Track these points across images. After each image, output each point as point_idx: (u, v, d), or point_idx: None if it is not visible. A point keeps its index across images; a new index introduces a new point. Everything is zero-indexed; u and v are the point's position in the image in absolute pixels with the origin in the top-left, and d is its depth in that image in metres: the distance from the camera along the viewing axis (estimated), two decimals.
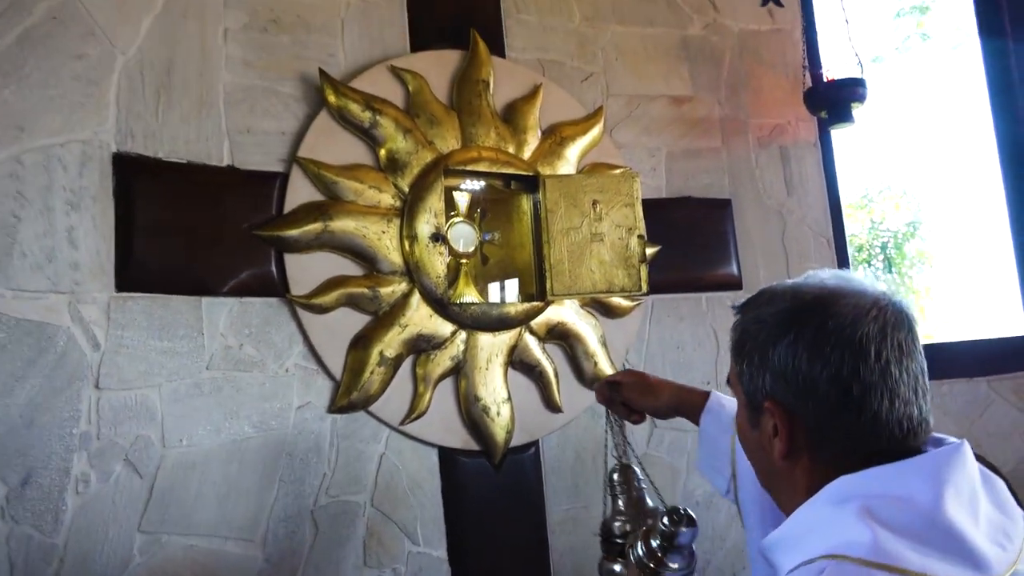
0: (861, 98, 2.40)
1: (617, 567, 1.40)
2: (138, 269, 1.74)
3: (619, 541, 1.41)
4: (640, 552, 1.19)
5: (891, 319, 0.90)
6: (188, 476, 1.74)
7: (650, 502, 1.46)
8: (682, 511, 1.18)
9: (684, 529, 1.17)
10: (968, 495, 0.87)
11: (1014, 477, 2.52)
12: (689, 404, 1.50)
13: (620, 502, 1.46)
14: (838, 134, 2.68)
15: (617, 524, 1.43)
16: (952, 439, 0.94)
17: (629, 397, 1.54)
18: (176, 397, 1.75)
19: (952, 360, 2.70)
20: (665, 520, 1.18)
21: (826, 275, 0.98)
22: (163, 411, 1.73)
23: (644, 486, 1.48)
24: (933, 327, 5.84)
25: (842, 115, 2.41)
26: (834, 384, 0.89)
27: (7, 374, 1.57)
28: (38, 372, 1.60)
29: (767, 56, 2.65)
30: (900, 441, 0.89)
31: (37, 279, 1.62)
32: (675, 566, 1.17)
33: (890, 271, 5.75)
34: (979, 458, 0.94)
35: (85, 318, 1.66)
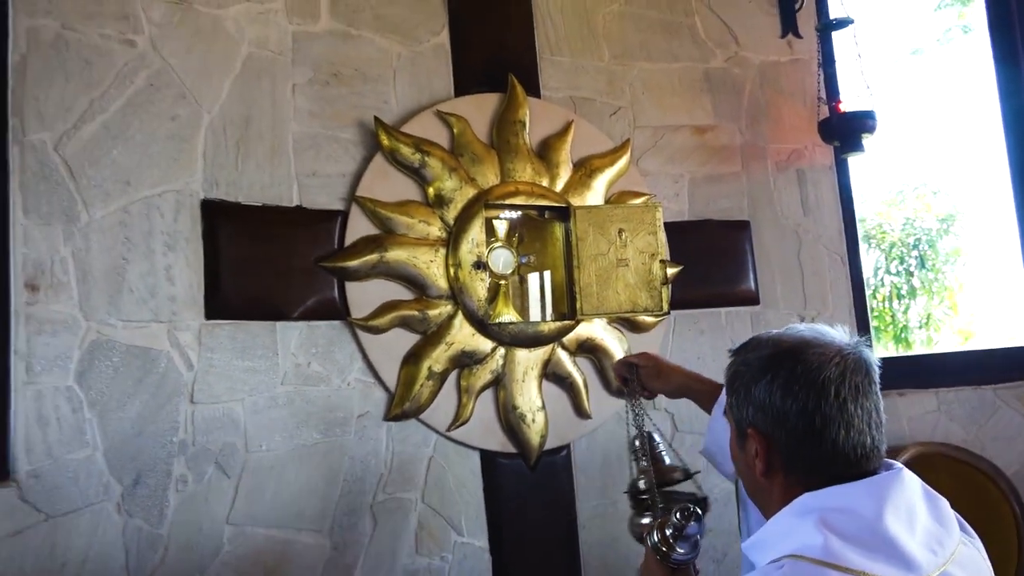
0: (871, 129, 2.58)
1: (645, 519, 1.65)
2: (223, 299, 2.02)
3: (644, 497, 1.67)
4: (656, 539, 1.42)
5: (851, 365, 1.13)
6: (267, 476, 2.03)
7: (668, 460, 1.72)
8: (691, 508, 1.41)
9: (692, 524, 1.40)
10: (905, 510, 1.09)
11: (1019, 478, 2.71)
12: (696, 390, 1.80)
13: (643, 463, 1.71)
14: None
15: (642, 482, 1.69)
16: (896, 464, 1.17)
17: (644, 378, 1.82)
18: (256, 409, 2.04)
19: (959, 369, 2.89)
20: (677, 515, 1.41)
21: (803, 328, 1.21)
22: (246, 421, 2.02)
23: (662, 448, 1.74)
24: (966, 323, 5.92)
25: (853, 145, 2.60)
26: (801, 417, 1.11)
27: (120, 392, 1.87)
28: (144, 390, 1.90)
29: (786, 86, 2.83)
30: (855, 464, 1.11)
31: (142, 311, 1.92)
32: (682, 551, 1.40)
33: (923, 267, 5.84)
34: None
35: (181, 343, 1.96)
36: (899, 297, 5.91)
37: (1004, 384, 2.82)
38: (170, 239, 1.97)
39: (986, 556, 1.19)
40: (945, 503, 1.19)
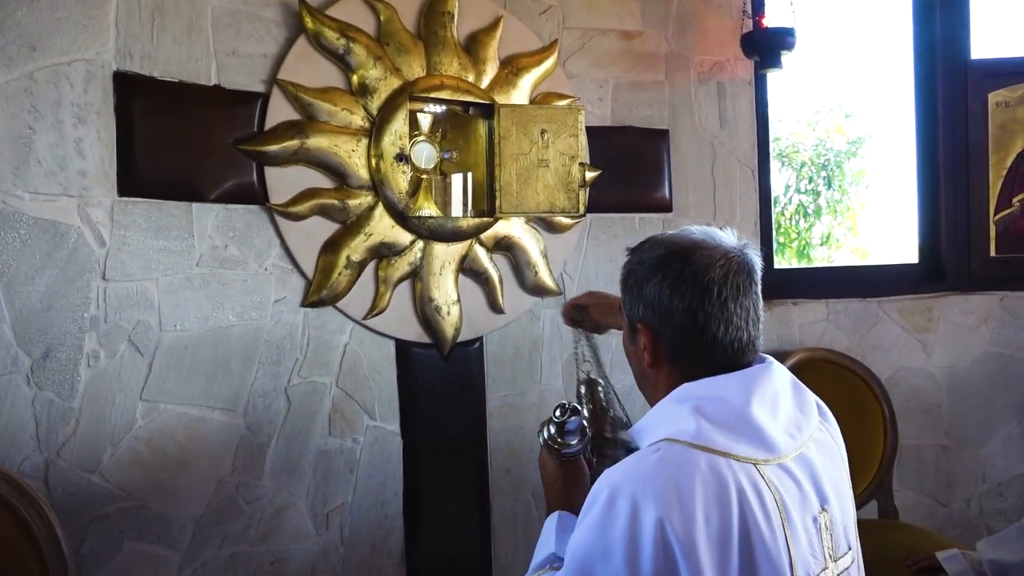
0: (790, 46, 2.65)
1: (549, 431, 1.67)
2: (137, 177, 1.98)
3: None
4: (545, 435, 1.52)
5: (735, 267, 1.22)
6: (181, 356, 2.05)
7: (611, 412, 1.70)
8: (567, 404, 1.47)
9: (572, 418, 1.50)
10: (771, 399, 1.21)
11: (891, 384, 2.97)
12: None
13: (585, 411, 1.69)
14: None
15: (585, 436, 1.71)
16: (768, 358, 1.29)
17: (595, 316, 1.79)
18: (171, 289, 2.04)
19: (848, 282, 3.09)
20: (556, 412, 1.49)
21: (696, 230, 1.30)
22: (160, 300, 2.02)
23: (606, 398, 1.71)
24: (866, 243, 6.24)
25: (772, 61, 2.66)
26: (686, 314, 1.21)
27: (28, 265, 1.84)
28: (54, 264, 1.87)
29: None
30: (732, 357, 1.22)
31: (51, 184, 1.86)
32: (573, 442, 1.50)
33: (830, 187, 6.09)
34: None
35: (92, 219, 1.92)
36: (805, 215, 6.17)
37: (887, 297, 3.04)
38: (80, 111, 1.90)
39: (839, 439, 1.34)
40: (808, 393, 1.32)
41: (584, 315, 1.81)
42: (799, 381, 1.33)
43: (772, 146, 3.09)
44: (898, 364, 3.04)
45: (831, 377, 2.87)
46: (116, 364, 1.96)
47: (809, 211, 6.20)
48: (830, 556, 1.21)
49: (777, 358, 2.84)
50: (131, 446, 1.98)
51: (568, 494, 1.48)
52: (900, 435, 2.88)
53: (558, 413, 1.46)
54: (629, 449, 1.58)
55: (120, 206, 1.96)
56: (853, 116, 6.14)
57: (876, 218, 6.15)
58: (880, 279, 3.11)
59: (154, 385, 2.01)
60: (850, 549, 1.27)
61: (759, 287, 1.26)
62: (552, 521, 1.43)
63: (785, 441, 1.19)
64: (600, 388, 1.70)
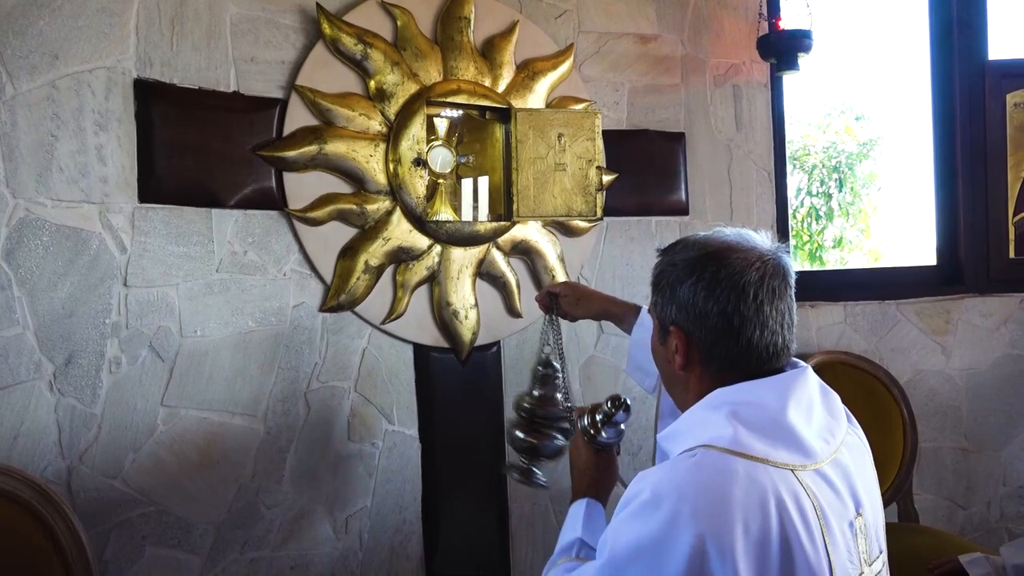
0: (807, 48, 2.64)
1: (519, 432, 1.85)
2: (157, 183, 1.99)
3: (523, 416, 1.86)
4: (586, 422, 1.54)
5: (770, 270, 1.21)
6: (201, 361, 2.06)
7: (559, 395, 1.86)
8: (622, 399, 1.52)
9: (621, 413, 1.52)
10: (806, 404, 1.20)
11: (910, 387, 2.95)
12: (614, 314, 1.91)
13: (535, 389, 1.87)
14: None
15: (526, 404, 1.86)
16: (801, 363, 1.28)
17: (564, 306, 1.93)
18: (191, 295, 2.04)
19: (866, 285, 3.08)
20: (608, 404, 1.52)
21: (729, 232, 1.29)
22: (180, 306, 2.03)
23: (558, 381, 1.87)
24: (879, 245, 6.23)
25: (789, 63, 2.66)
26: (721, 316, 1.19)
27: (51, 272, 1.85)
28: (76, 271, 1.88)
29: (729, 0, 2.86)
30: (767, 361, 1.21)
31: (72, 191, 1.88)
32: (607, 435, 1.52)
33: (841, 190, 6.07)
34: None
35: (114, 225, 1.93)
36: (817, 218, 6.16)
37: (905, 300, 3.02)
38: (101, 118, 1.91)
39: (866, 442, 1.33)
40: (836, 397, 1.32)
41: (555, 303, 1.93)
42: (827, 386, 1.32)
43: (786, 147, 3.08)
44: (916, 367, 3.02)
45: (849, 380, 2.85)
46: (137, 370, 1.97)
47: (821, 214, 6.19)
48: (864, 560, 1.20)
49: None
50: (152, 451, 1.99)
51: (597, 482, 1.52)
52: (919, 438, 2.86)
53: (609, 404, 1.49)
54: (563, 431, 1.82)
55: (141, 212, 1.97)
56: (864, 119, 6.13)
57: (889, 220, 6.14)
58: (898, 281, 3.09)
59: (175, 390, 2.02)
60: (882, 552, 1.26)
61: (793, 291, 1.25)
62: (580, 507, 1.45)
63: (820, 446, 1.18)
64: (555, 371, 1.86)
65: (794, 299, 1.25)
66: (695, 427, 1.21)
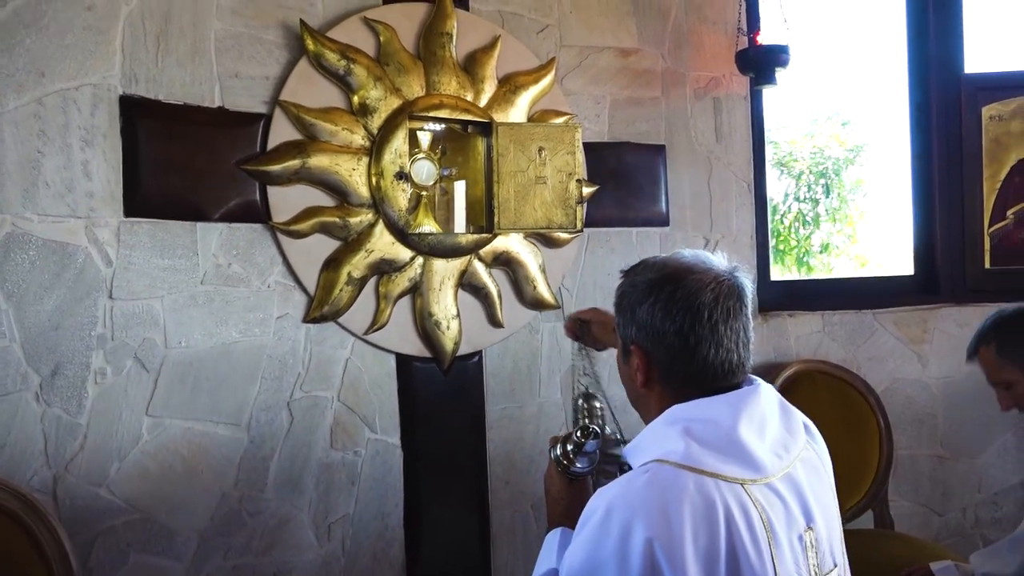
0: (784, 63, 2.69)
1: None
2: (143, 198, 2.03)
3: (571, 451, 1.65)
4: (558, 452, 1.56)
5: (725, 291, 1.25)
6: (186, 372, 2.10)
7: (607, 429, 1.72)
8: (590, 428, 1.54)
9: (591, 441, 1.54)
10: (758, 420, 1.25)
11: (887, 395, 3.00)
12: None
13: (582, 421, 1.75)
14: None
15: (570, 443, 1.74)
16: (757, 380, 1.33)
17: (595, 332, 1.83)
18: (176, 307, 2.08)
19: (843, 294, 3.13)
20: (577, 433, 1.55)
21: (688, 254, 1.33)
22: (165, 318, 2.07)
23: (602, 414, 1.76)
24: (866, 250, 6.28)
25: (767, 77, 2.71)
26: (677, 336, 1.24)
27: (37, 285, 1.89)
28: (62, 284, 1.92)
29: (709, 14, 2.90)
30: (722, 378, 1.26)
31: (59, 206, 1.91)
32: (580, 465, 1.54)
33: (828, 196, 6.13)
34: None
35: (99, 239, 1.97)
36: (804, 224, 6.21)
37: (883, 309, 3.07)
38: (87, 134, 1.95)
39: (825, 457, 1.37)
40: (795, 413, 1.36)
41: (585, 330, 1.84)
42: (786, 401, 1.37)
43: (770, 155, 3.13)
44: (893, 375, 3.08)
45: (826, 389, 2.91)
46: (123, 381, 2.01)
47: (808, 219, 6.25)
48: (815, 573, 1.25)
49: (773, 370, 2.89)
50: (137, 460, 2.03)
51: (572, 512, 1.50)
52: (896, 445, 2.92)
53: (579, 434, 1.50)
54: (621, 464, 1.63)
55: (126, 226, 2.01)
56: (851, 124, 6.18)
57: (875, 226, 6.19)
58: (875, 291, 3.15)
59: (160, 401, 2.06)
60: (836, 566, 1.30)
61: (749, 310, 1.30)
62: (555, 537, 1.47)
63: (772, 461, 1.22)
64: (598, 404, 1.74)
65: (750, 318, 1.29)
66: (652, 442, 1.25)
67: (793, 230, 6.22)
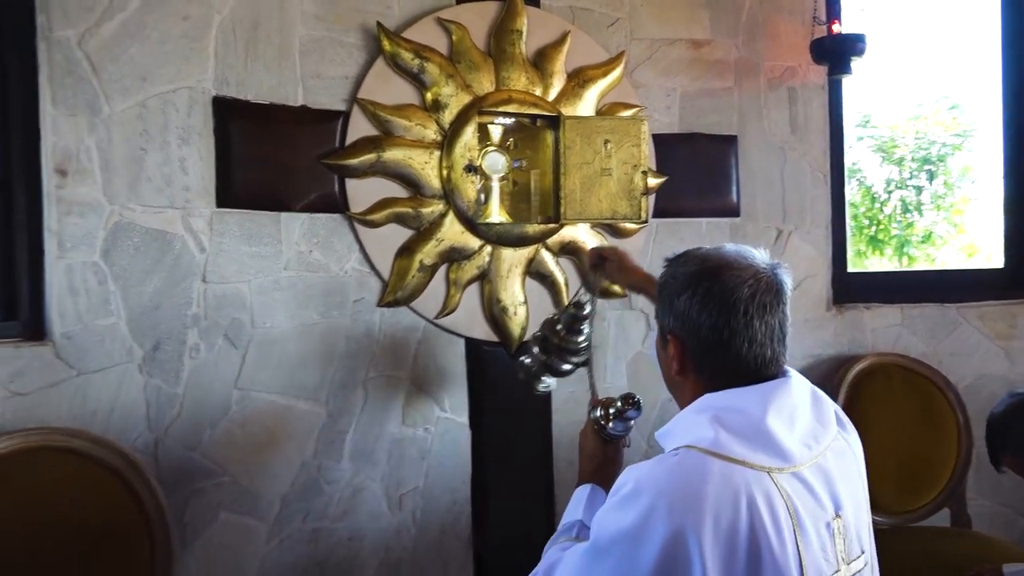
0: (860, 52, 2.65)
1: (526, 359, 2.08)
2: (233, 190, 2.22)
3: (542, 337, 2.05)
4: (598, 414, 1.67)
5: (762, 286, 1.30)
6: (270, 350, 2.29)
7: (581, 337, 2.00)
8: (635, 398, 1.64)
9: (632, 410, 1.64)
10: (788, 412, 1.29)
11: (970, 391, 2.92)
12: (649, 292, 1.92)
13: (560, 321, 2.01)
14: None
15: (546, 332, 2.04)
16: (790, 372, 1.37)
17: (608, 269, 2.00)
18: (262, 290, 2.27)
19: (925, 287, 3.05)
20: (620, 402, 1.65)
21: (730, 248, 1.38)
22: (252, 300, 2.26)
23: (583, 326, 2.00)
24: (973, 240, 5.98)
25: (842, 67, 2.68)
26: (712, 330, 1.30)
27: (140, 269, 2.11)
28: (162, 268, 2.14)
29: (785, 3, 2.88)
30: (754, 372, 1.31)
31: (159, 198, 2.13)
32: (616, 428, 1.65)
33: (931, 182, 5.87)
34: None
35: (194, 228, 2.18)
36: (906, 211, 5.97)
37: (967, 303, 2.98)
38: (184, 133, 2.16)
39: (857, 448, 1.40)
40: (828, 405, 1.39)
41: (602, 265, 2.00)
42: (820, 393, 1.40)
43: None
44: (978, 371, 2.99)
45: (903, 383, 2.85)
46: (214, 356, 2.21)
47: (910, 207, 6.00)
48: (843, 559, 1.28)
49: (846, 363, 2.87)
50: (227, 428, 2.24)
51: (602, 471, 1.63)
52: (977, 443, 2.83)
53: (621, 402, 1.62)
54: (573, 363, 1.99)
55: (218, 216, 2.21)
56: (960, 108, 5.89)
57: (984, 215, 5.88)
58: (960, 284, 3.05)
59: (247, 375, 2.26)
60: (863, 552, 1.34)
61: (787, 306, 1.33)
62: (584, 492, 1.57)
63: (801, 451, 1.26)
64: (586, 312, 1.97)
65: (788, 314, 1.33)
66: (683, 429, 1.31)
67: (892, 218, 5.98)
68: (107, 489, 1.90)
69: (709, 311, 1.29)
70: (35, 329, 2.02)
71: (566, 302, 2.60)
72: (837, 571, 1.26)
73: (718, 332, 1.29)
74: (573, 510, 1.55)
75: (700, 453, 1.23)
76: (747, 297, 1.28)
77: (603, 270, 2.00)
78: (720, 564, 1.15)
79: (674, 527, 1.16)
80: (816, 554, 1.22)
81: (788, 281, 1.34)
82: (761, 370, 1.31)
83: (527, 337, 2.05)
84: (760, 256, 1.35)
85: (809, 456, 1.28)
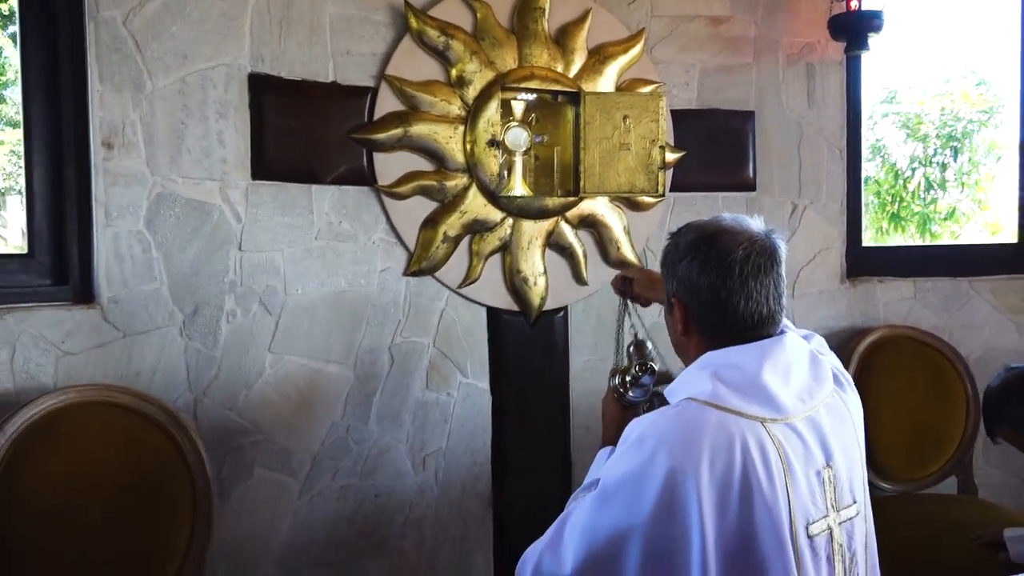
0: (877, 28, 2.69)
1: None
2: (267, 163, 2.33)
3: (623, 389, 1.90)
4: (616, 382, 1.78)
5: (756, 249, 1.39)
6: (302, 316, 2.41)
7: (656, 366, 1.87)
8: (648, 364, 1.75)
9: (647, 376, 1.75)
10: (783, 367, 1.39)
11: (980, 364, 2.98)
12: None
13: (635, 368, 1.88)
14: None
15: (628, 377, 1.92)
16: (786, 330, 1.46)
17: (637, 288, 1.99)
18: (294, 259, 2.39)
19: (938, 261, 3.10)
20: (636, 368, 1.75)
21: (727, 217, 1.48)
22: (285, 268, 2.38)
23: (652, 353, 1.90)
24: (999, 218, 5.97)
25: (860, 43, 2.72)
26: (711, 290, 1.40)
27: (181, 238, 2.23)
28: (201, 237, 2.26)
29: None
30: (752, 329, 1.41)
31: (198, 170, 2.24)
32: (633, 394, 1.75)
33: (956, 159, 5.87)
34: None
35: (231, 199, 2.29)
36: (929, 188, 5.98)
37: (979, 277, 3.03)
38: (222, 108, 2.26)
39: (853, 406, 1.49)
40: (825, 364, 1.49)
41: (629, 286, 2.00)
42: (818, 354, 1.50)
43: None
44: (988, 344, 3.04)
45: (912, 354, 2.92)
46: (250, 321, 2.34)
47: (934, 184, 6.00)
48: (832, 506, 1.39)
49: (858, 335, 2.95)
50: (261, 390, 2.37)
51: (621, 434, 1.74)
52: None
53: (637, 368, 1.73)
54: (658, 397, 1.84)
55: (253, 188, 2.32)
56: (986, 84, 5.86)
57: (1009, 192, 5.87)
58: (974, 258, 3.10)
59: (280, 340, 2.38)
60: (855, 502, 1.43)
61: (782, 267, 1.43)
62: (605, 453, 1.68)
63: (795, 404, 1.37)
64: (648, 348, 1.89)
65: (783, 276, 1.42)
66: (686, 384, 1.43)
67: (916, 196, 6.00)
68: (154, 442, 2.04)
69: (708, 273, 1.40)
70: (84, 293, 2.15)
71: (585, 275, 2.69)
72: (826, 516, 1.37)
73: (716, 292, 1.39)
74: (595, 469, 1.66)
75: (699, 404, 1.34)
76: (742, 259, 1.38)
77: (631, 292, 1.99)
78: (715, 502, 1.26)
79: (673, 468, 1.27)
80: (804, 497, 1.33)
81: (782, 245, 1.45)
82: (759, 327, 1.41)
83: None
84: (755, 223, 1.45)
85: (803, 409, 1.38)
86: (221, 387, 2.31)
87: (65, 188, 2.15)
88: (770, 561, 1.29)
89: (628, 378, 1.76)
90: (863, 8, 2.71)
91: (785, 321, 1.66)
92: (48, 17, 2.10)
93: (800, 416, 1.37)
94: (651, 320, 2.04)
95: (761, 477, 1.29)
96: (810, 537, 1.33)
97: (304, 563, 2.43)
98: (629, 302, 1.99)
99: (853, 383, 1.55)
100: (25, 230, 2.16)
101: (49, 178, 2.14)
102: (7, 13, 3.10)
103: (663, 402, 1.85)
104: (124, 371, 2.17)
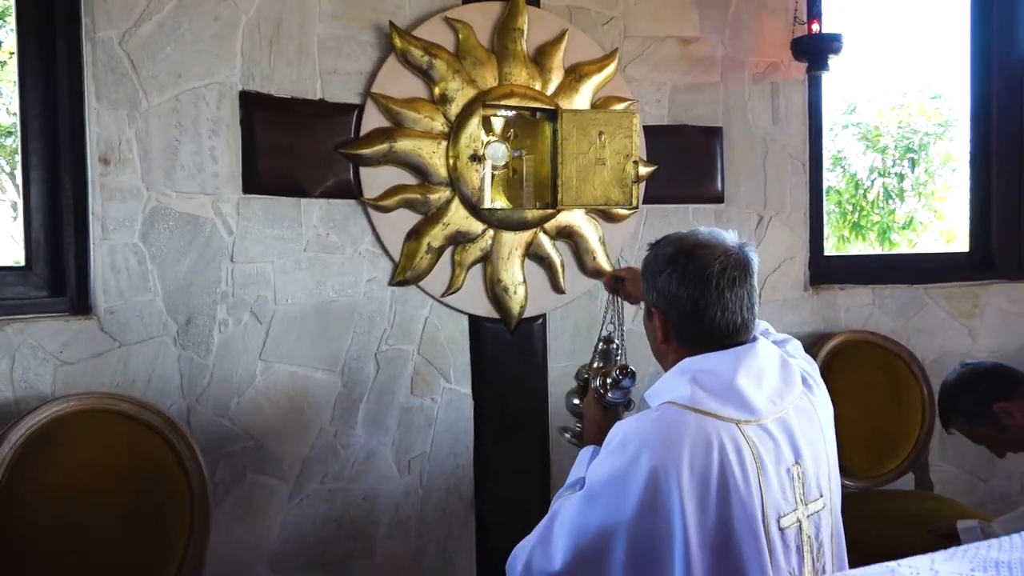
0: (837, 51, 2.85)
1: (575, 400, 2.09)
2: (257, 177, 2.41)
3: (581, 384, 2.06)
4: (598, 383, 1.87)
5: (731, 262, 1.52)
6: (291, 325, 2.49)
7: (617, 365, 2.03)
8: (629, 368, 1.85)
9: (627, 380, 1.85)
10: (755, 372, 1.51)
11: (935, 366, 3.15)
12: None
13: (596, 361, 2.05)
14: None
15: (585, 374, 2.07)
16: (759, 337, 1.58)
17: (628, 287, 2.06)
18: (284, 270, 2.47)
19: (896, 269, 3.27)
20: (616, 372, 1.86)
21: (704, 231, 1.60)
22: (275, 279, 2.46)
23: (620, 352, 2.06)
24: (952, 227, 6.21)
25: (820, 64, 2.88)
26: (689, 301, 1.52)
27: (175, 250, 2.31)
28: (194, 249, 2.34)
29: (768, 2, 3.07)
30: (728, 336, 1.53)
31: (192, 184, 2.32)
32: (614, 396, 1.85)
33: (913, 170, 6.09)
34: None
35: (223, 212, 2.37)
36: (888, 198, 6.20)
37: (934, 284, 3.21)
38: (214, 124, 2.35)
39: (821, 407, 1.61)
40: (795, 369, 1.61)
41: (621, 285, 2.08)
42: (788, 358, 1.62)
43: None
44: (943, 348, 3.21)
45: (872, 358, 3.08)
46: (241, 330, 2.42)
47: (892, 194, 6.22)
48: (801, 500, 1.51)
49: (821, 339, 3.09)
50: (252, 397, 2.44)
51: (603, 434, 1.82)
52: None
53: (617, 372, 1.82)
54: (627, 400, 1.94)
55: (244, 202, 2.40)
56: (941, 98, 6.10)
57: (962, 202, 6.11)
58: (929, 266, 3.28)
59: (270, 348, 2.46)
60: (821, 496, 1.56)
61: (754, 279, 1.56)
62: (587, 453, 1.78)
63: (767, 406, 1.49)
64: (615, 345, 2.03)
65: (755, 286, 1.55)
66: (666, 388, 1.54)
67: (875, 205, 6.21)
68: (151, 448, 2.11)
69: (686, 285, 1.52)
70: (81, 304, 2.22)
71: (562, 284, 2.82)
72: (795, 509, 1.49)
73: (694, 303, 1.51)
74: (578, 468, 1.76)
75: (679, 408, 1.46)
76: (718, 272, 1.50)
77: (622, 291, 2.07)
78: (695, 498, 1.38)
79: (656, 468, 1.39)
80: (776, 493, 1.45)
81: (755, 258, 1.57)
82: (733, 335, 1.53)
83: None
84: (729, 236, 1.58)
85: (774, 411, 1.50)
86: (214, 394, 2.38)
87: (63, 203, 2.21)
88: (746, 552, 1.41)
89: (609, 380, 1.86)
90: (824, 31, 2.87)
91: (766, 325, 1.81)
92: (47, 42, 2.18)
93: (772, 417, 1.49)
94: (628, 325, 2.15)
95: (737, 475, 1.41)
96: (781, 529, 1.46)
97: (294, 564, 2.51)
98: (618, 300, 2.08)
99: (823, 383, 1.68)
100: (23, 243, 2.22)
101: (47, 193, 2.21)
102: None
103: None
104: (120, 380, 2.24)
